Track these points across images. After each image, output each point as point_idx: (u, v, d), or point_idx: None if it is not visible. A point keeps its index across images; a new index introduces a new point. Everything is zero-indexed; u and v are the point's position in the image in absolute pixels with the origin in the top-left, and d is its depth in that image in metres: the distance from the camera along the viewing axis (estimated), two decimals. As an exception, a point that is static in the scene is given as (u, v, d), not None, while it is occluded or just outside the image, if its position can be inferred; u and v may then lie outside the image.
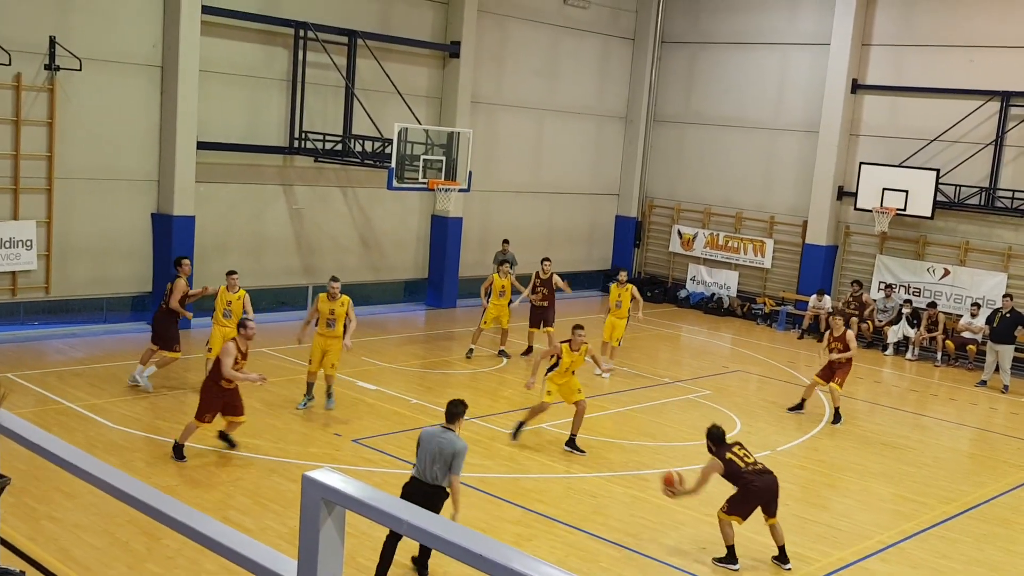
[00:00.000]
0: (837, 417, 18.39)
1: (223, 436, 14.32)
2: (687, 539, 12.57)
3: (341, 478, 2.65)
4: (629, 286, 20.84)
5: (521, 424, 15.77)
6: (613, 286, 21.08)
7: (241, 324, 14.24)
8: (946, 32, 25.95)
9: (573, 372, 15.69)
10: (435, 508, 10.23)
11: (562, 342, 15.75)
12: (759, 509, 11.88)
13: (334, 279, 16.87)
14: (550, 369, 15.81)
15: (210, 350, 17.05)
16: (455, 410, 10.87)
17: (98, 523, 11.31)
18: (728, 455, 11.78)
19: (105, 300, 21.41)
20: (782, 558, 11.95)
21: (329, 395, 16.75)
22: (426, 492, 10.30)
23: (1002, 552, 13.04)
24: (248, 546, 2.69)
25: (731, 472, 11.72)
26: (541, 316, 21.30)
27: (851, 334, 18.60)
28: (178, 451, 13.79)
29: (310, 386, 16.83)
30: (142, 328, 21.40)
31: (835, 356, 18.31)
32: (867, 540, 13.00)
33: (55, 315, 20.84)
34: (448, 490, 10.45)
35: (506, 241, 26.48)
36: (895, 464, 16.50)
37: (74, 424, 14.91)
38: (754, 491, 11.72)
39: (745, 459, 11.84)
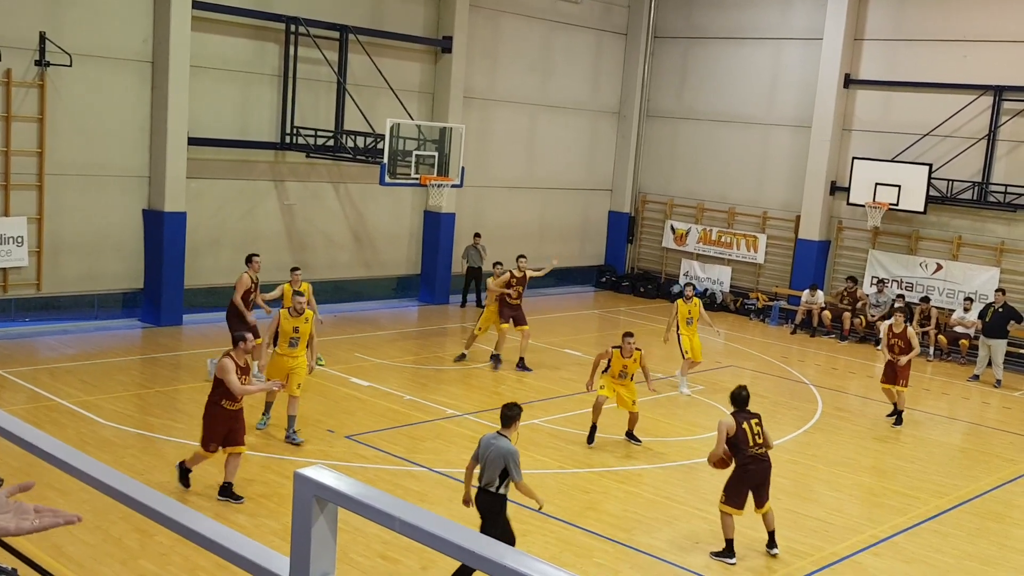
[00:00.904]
0: (899, 419, 18.28)
1: (225, 489, 12.54)
2: (681, 534, 12.57)
3: (334, 475, 2.63)
4: (696, 300, 20.08)
5: (593, 428, 15.83)
6: (680, 302, 19.78)
7: (240, 338, 12.71)
8: (938, 27, 25.96)
9: (628, 377, 15.83)
10: (495, 515, 10.33)
11: (613, 347, 15.84)
12: (751, 499, 11.89)
13: (299, 294, 15.36)
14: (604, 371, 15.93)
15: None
16: (509, 413, 10.68)
17: (91, 520, 11.28)
18: (744, 424, 11.84)
19: (96, 296, 21.35)
20: (771, 543, 12.00)
21: (291, 423, 14.72)
22: (486, 499, 10.40)
23: (995, 546, 13.06)
24: (241, 543, 2.67)
25: (737, 440, 11.67)
26: (512, 313, 20.56)
27: (912, 331, 18.37)
28: (184, 475, 12.60)
29: (269, 405, 15.19)
30: (133, 324, 21.41)
31: (903, 359, 18.00)
32: (860, 534, 13.01)
33: (46, 312, 20.79)
34: (518, 489, 10.47)
35: (477, 235, 26.59)
36: (888, 458, 16.52)
37: (66, 421, 14.87)
38: (748, 474, 11.78)
39: (756, 438, 11.86)
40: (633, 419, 15.90)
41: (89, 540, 10.88)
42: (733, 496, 11.85)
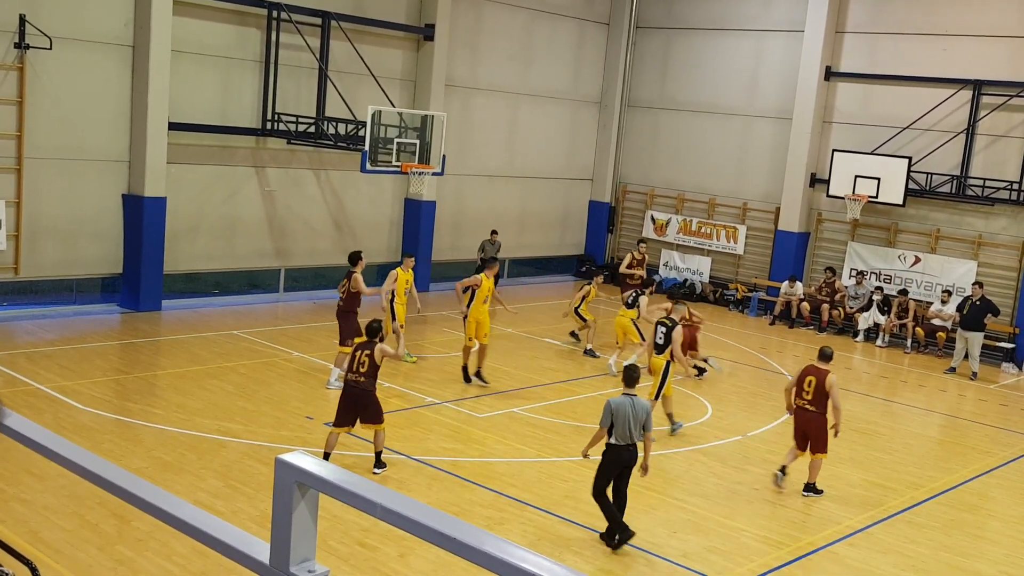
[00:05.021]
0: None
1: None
2: (658, 522, 12.61)
3: (314, 461, 2.64)
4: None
5: (466, 368, 18.13)
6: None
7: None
8: (919, 20, 26.06)
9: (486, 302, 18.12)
10: (633, 464, 11.71)
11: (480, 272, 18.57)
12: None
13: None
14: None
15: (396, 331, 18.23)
16: (635, 375, 11.93)
17: (68, 505, 11.26)
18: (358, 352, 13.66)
19: (75, 281, 21.25)
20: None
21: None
22: (631, 452, 11.60)
23: (970, 537, 13.16)
24: (220, 528, 2.68)
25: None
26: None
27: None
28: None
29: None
30: (112, 310, 21.32)
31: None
32: (836, 525, 13.09)
33: (25, 296, 20.68)
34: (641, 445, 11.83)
35: (495, 232, 26.57)
36: (864, 450, 16.61)
37: (43, 406, 14.81)
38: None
39: (359, 367, 13.43)
40: (483, 352, 17.93)
41: (66, 526, 10.85)
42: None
